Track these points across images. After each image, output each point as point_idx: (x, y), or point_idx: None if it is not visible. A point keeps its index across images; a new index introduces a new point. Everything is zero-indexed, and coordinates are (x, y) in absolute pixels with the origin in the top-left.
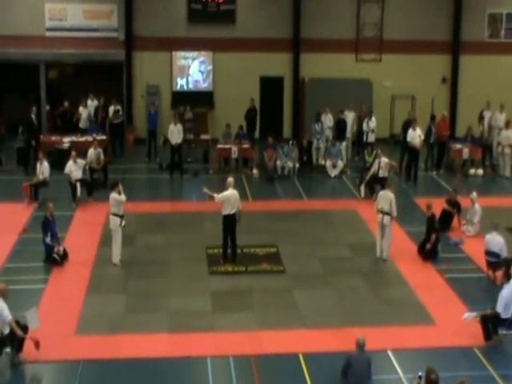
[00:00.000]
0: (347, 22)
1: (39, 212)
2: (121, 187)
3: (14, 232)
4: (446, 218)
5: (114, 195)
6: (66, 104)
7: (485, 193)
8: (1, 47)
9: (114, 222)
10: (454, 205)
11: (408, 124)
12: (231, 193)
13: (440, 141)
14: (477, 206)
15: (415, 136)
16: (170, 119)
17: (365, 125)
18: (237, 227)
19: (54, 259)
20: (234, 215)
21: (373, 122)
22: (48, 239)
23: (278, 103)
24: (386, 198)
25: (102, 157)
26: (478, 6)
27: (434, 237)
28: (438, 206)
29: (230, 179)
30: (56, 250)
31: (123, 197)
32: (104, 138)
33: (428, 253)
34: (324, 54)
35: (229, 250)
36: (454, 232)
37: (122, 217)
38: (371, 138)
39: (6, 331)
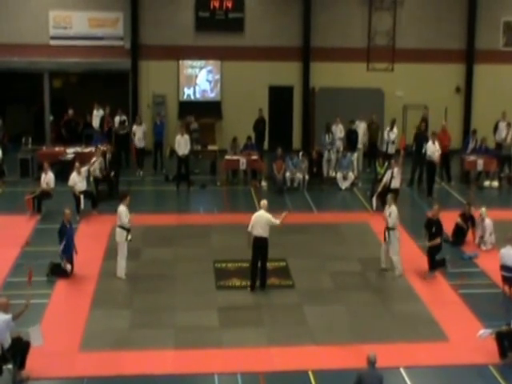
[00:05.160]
0: (358, 31)
1: (42, 224)
2: (128, 199)
3: (17, 245)
4: (460, 233)
5: (122, 207)
6: (71, 112)
7: (500, 205)
8: (4, 56)
9: (120, 234)
10: (468, 218)
11: (421, 135)
12: (258, 213)
13: (442, 152)
14: (487, 221)
15: (435, 150)
16: (177, 130)
17: (386, 135)
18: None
19: (63, 270)
20: (263, 238)
21: (394, 133)
22: (61, 248)
23: (288, 113)
24: (387, 212)
25: (104, 166)
26: (493, 14)
27: (439, 240)
28: (451, 219)
29: (264, 201)
30: (63, 265)
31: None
32: (110, 148)
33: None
34: (334, 63)
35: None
36: (468, 246)
37: (128, 230)
38: (391, 149)
39: (7, 345)
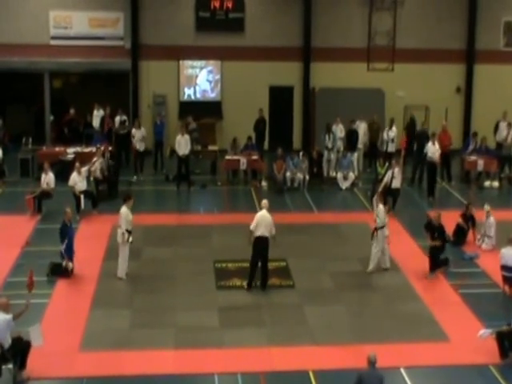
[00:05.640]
0: (358, 31)
1: (42, 224)
2: (132, 202)
3: (17, 245)
4: (461, 233)
5: (124, 209)
6: (72, 111)
7: (501, 206)
8: (4, 56)
9: (121, 235)
10: (469, 219)
11: (421, 135)
12: (263, 213)
13: (443, 152)
14: (492, 218)
15: (435, 151)
16: (177, 130)
17: (385, 134)
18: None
19: (64, 270)
20: (266, 238)
21: (393, 132)
22: (63, 247)
23: (288, 113)
24: (375, 212)
25: (105, 167)
26: (493, 14)
27: (439, 242)
28: (452, 219)
29: (265, 201)
30: (64, 264)
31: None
32: (110, 148)
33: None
34: (335, 63)
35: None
36: (469, 246)
37: (129, 232)
38: (391, 147)
39: (7, 345)
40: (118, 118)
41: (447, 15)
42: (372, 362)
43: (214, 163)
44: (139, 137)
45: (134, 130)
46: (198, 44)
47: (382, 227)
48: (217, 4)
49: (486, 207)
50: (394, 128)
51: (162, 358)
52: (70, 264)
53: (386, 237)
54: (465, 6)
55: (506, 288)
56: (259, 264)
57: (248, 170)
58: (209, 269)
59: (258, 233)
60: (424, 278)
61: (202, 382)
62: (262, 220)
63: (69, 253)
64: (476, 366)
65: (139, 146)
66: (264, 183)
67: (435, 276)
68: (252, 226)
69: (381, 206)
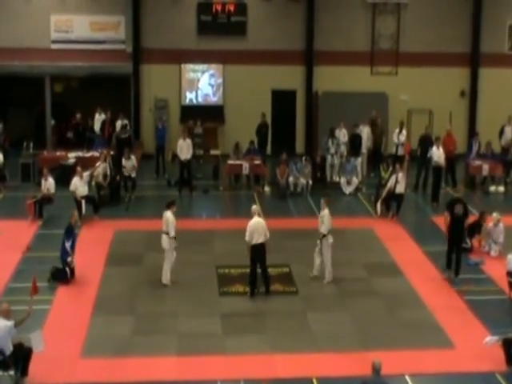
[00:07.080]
0: (362, 34)
1: (43, 230)
2: (175, 208)
3: (18, 250)
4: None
5: (168, 214)
6: (79, 116)
7: (506, 211)
8: (5, 60)
9: (166, 241)
10: (477, 226)
11: (425, 139)
12: (256, 221)
13: (447, 157)
14: (501, 226)
15: (440, 155)
16: (179, 134)
17: (395, 138)
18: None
19: (64, 273)
20: (262, 244)
21: (403, 135)
22: (68, 244)
23: (291, 117)
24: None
25: (108, 172)
26: (498, 17)
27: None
28: None
29: (255, 207)
30: (70, 260)
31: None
32: (111, 153)
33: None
34: (338, 67)
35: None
36: (474, 252)
37: (174, 237)
38: (401, 151)
39: (8, 352)
40: (119, 122)
41: (451, 18)
42: (376, 369)
43: (216, 168)
44: (130, 167)
45: (124, 161)
46: (199, 48)
47: (326, 234)
48: (219, 8)
49: (495, 215)
50: (404, 131)
51: (163, 365)
52: (74, 261)
53: (329, 245)
54: (469, 9)
55: None
56: (259, 271)
57: (250, 175)
58: (211, 274)
59: (253, 240)
60: (429, 285)
61: None
62: (256, 227)
63: (72, 251)
64: (482, 373)
65: (130, 173)
66: (267, 188)
67: (446, 275)
68: (247, 237)
69: (326, 211)
